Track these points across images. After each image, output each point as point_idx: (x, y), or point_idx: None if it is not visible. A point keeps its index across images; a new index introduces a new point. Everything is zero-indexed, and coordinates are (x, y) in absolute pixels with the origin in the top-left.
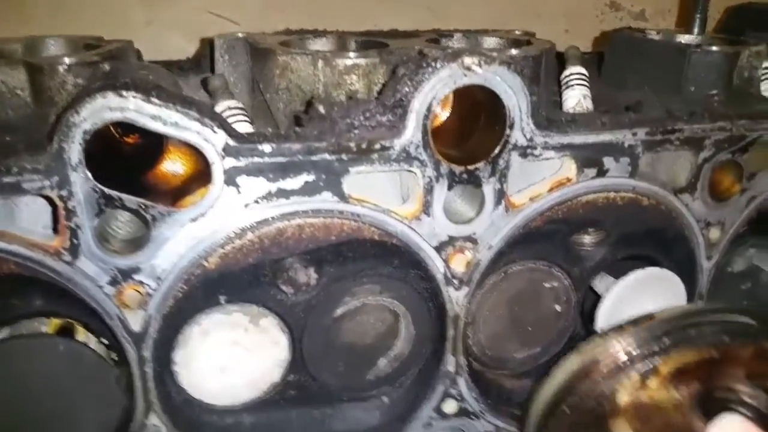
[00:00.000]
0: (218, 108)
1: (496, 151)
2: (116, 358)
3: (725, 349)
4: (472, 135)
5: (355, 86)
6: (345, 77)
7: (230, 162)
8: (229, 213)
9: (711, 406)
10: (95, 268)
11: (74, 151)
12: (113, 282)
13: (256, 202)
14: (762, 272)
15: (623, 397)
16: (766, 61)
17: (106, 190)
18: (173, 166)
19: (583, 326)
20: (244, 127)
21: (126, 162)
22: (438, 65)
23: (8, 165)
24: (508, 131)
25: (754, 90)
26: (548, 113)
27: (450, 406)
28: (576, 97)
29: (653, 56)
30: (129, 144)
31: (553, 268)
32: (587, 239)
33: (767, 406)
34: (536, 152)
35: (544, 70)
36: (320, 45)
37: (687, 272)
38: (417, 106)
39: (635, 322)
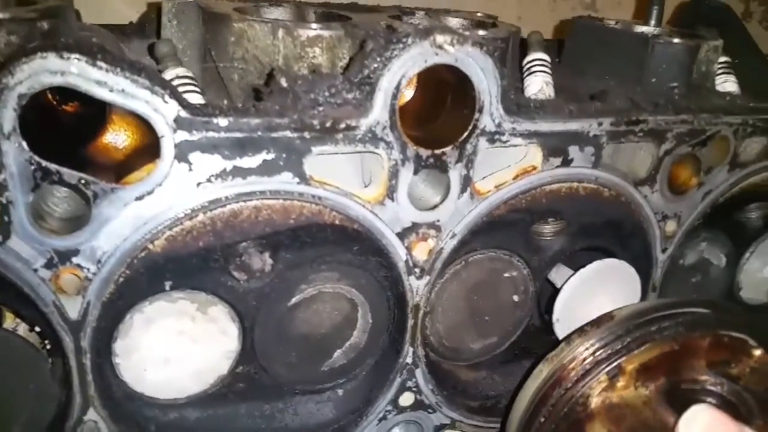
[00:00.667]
0: (166, 76)
1: (464, 135)
2: (51, 349)
3: (684, 341)
4: (436, 116)
5: (318, 60)
6: (307, 49)
7: (182, 135)
8: (178, 192)
9: (678, 398)
10: (29, 249)
11: (7, 118)
12: (49, 265)
13: (210, 180)
14: (711, 265)
15: (595, 400)
16: (722, 57)
17: (43, 162)
18: (117, 137)
19: (539, 317)
20: (194, 98)
21: (65, 132)
22: (409, 41)
23: None
24: (477, 115)
25: (710, 84)
26: (518, 98)
27: (406, 399)
28: (538, 84)
29: (615, 45)
30: (68, 112)
31: (513, 257)
32: (547, 229)
33: (730, 392)
34: (504, 138)
35: (510, 53)
36: (277, 14)
37: (642, 264)
38: (385, 84)
39: (596, 323)
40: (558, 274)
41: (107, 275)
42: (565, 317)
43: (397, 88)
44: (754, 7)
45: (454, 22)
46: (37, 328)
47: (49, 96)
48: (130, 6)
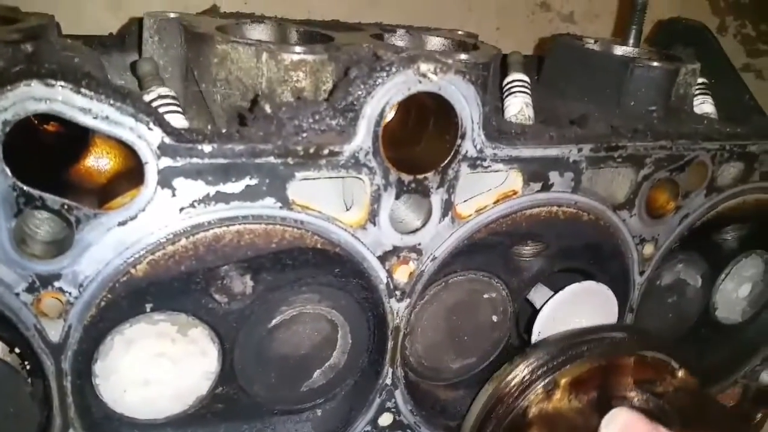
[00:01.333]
0: (148, 96)
1: (446, 161)
2: (31, 370)
3: (610, 359)
4: (418, 139)
5: (301, 83)
6: (291, 73)
7: (166, 162)
8: (161, 217)
9: (607, 409)
10: (11, 273)
11: None
12: (31, 289)
13: (193, 206)
14: (688, 286)
15: (533, 410)
16: (699, 78)
17: (26, 188)
18: (100, 161)
19: (518, 337)
20: (176, 119)
21: (46, 154)
22: (393, 69)
23: None
24: (459, 141)
25: (688, 106)
26: (498, 124)
27: (385, 419)
28: (518, 105)
29: (594, 67)
30: (49, 132)
31: (492, 279)
32: (527, 250)
33: (655, 407)
34: (485, 164)
35: (491, 76)
36: (259, 32)
37: (620, 286)
38: (369, 111)
39: (535, 346)
40: (537, 294)
41: (89, 299)
42: (544, 338)
43: (381, 115)
44: (729, 22)
45: (435, 41)
46: (17, 350)
47: (31, 117)
48: (111, 13)
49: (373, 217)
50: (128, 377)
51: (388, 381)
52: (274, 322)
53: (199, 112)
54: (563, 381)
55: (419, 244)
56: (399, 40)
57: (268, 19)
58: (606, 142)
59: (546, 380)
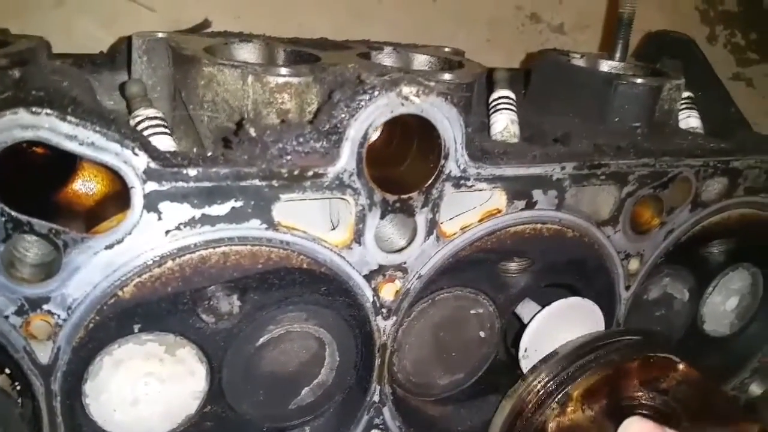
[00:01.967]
0: (136, 117)
1: (430, 181)
2: (20, 390)
3: (617, 366)
4: (402, 159)
5: (286, 105)
6: (276, 95)
7: (152, 186)
8: (148, 240)
9: (619, 414)
10: (0, 297)
11: None
12: (20, 312)
13: (179, 228)
14: (675, 300)
15: (551, 425)
16: (685, 92)
17: (13, 213)
18: (87, 185)
19: (506, 352)
20: (164, 141)
21: (34, 177)
22: (376, 93)
23: None
24: (442, 161)
25: (673, 122)
26: (481, 144)
27: None
28: (504, 122)
29: (579, 84)
30: (37, 154)
31: (479, 295)
32: (513, 266)
33: (661, 403)
34: (469, 183)
35: (475, 95)
36: (246, 52)
37: (606, 301)
38: (353, 134)
39: (544, 360)
40: (525, 309)
41: (77, 321)
42: (532, 352)
43: (364, 137)
44: (719, 31)
45: (421, 59)
46: (7, 371)
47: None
48: (103, 29)
49: (358, 236)
50: (118, 397)
51: (376, 398)
52: (261, 340)
53: (187, 132)
54: (575, 393)
55: (405, 263)
56: (386, 58)
57: (256, 38)
58: (589, 160)
59: (560, 395)
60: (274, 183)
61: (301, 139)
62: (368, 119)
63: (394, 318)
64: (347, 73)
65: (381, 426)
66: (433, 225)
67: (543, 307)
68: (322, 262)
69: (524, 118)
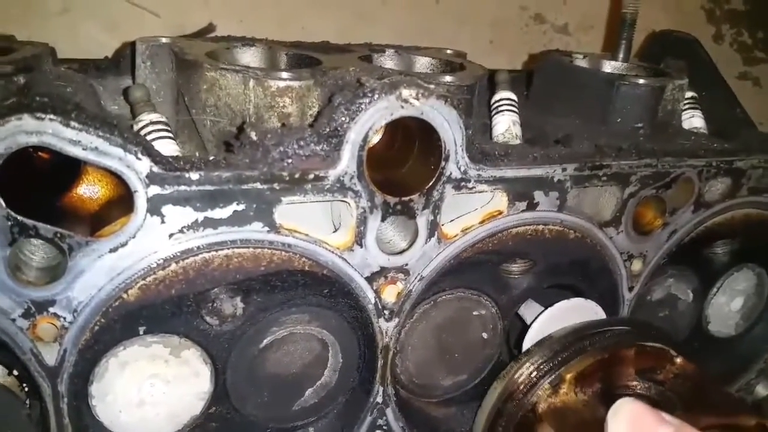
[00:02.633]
0: (140, 122)
1: (431, 183)
2: (28, 392)
3: (612, 352)
4: (403, 161)
5: (288, 109)
6: (277, 99)
7: (155, 190)
8: (151, 243)
9: (612, 400)
10: (7, 300)
11: None
12: (27, 315)
13: (182, 231)
14: (679, 300)
15: (542, 406)
16: (688, 92)
17: (19, 217)
18: (91, 189)
19: (509, 353)
20: (167, 145)
21: (39, 183)
22: (375, 96)
23: None
24: (443, 163)
25: (676, 122)
26: (481, 146)
27: None
28: (506, 123)
29: (581, 85)
30: (42, 159)
31: (481, 297)
32: (515, 268)
33: (657, 393)
34: (470, 185)
35: (476, 97)
36: (249, 56)
37: (609, 302)
38: (353, 137)
39: (539, 344)
40: (528, 310)
41: (83, 323)
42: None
43: (365, 140)
44: (725, 30)
45: (423, 61)
46: (15, 372)
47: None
48: (108, 34)
49: (359, 238)
50: (123, 398)
51: (379, 399)
52: (265, 342)
53: (191, 136)
54: (568, 376)
55: (406, 265)
56: (388, 60)
57: (258, 42)
58: (590, 161)
59: (552, 376)
60: (276, 186)
61: (302, 143)
62: (368, 122)
63: (397, 319)
64: (347, 76)
65: (384, 427)
66: (434, 227)
67: (545, 308)
68: (324, 265)
69: (527, 119)
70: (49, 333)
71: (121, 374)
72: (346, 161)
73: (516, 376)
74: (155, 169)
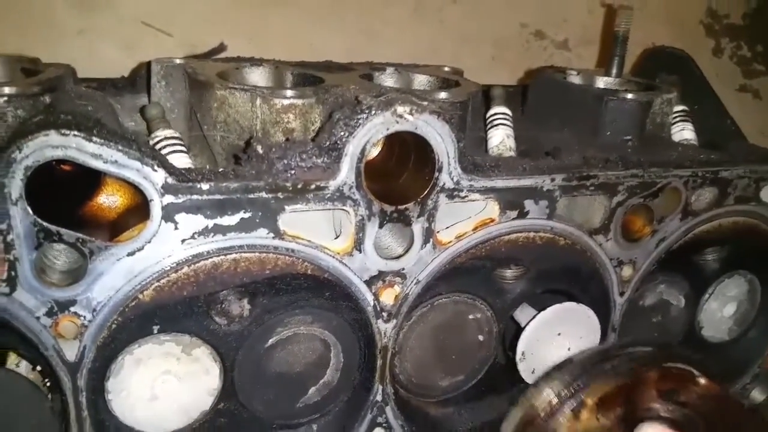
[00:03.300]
0: (155, 138)
1: (425, 192)
2: (50, 386)
3: (635, 374)
4: (400, 173)
5: (292, 124)
6: (282, 115)
7: (169, 199)
8: (166, 248)
9: (635, 425)
10: (32, 299)
11: (15, 187)
12: (50, 313)
13: (193, 237)
14: (671, 306)
15: None
16: (677, 107)
17: (45, 224)
18: (111, 198)
19: (504, 354)
20: (180, 158)
21: (63, 193)
22: (372, 112)
23: None
24: (436, 174)
25: (666, 134)
26: (474, 158)
27: None
28: (500, 136)
29: (572, 100)
30: (66, 172)
31: (476, 301)
32: (509, 273)
33: (680, 416)
34: (462, 194)
35: (470, 111)
36: (257, 75)
37: (601, 307)
38: (351, 150)
39: (558, 367)
40: (522, 313)
41: (102, 322)
42: (528, 356)
43: (362, 153)
44: (725, 43)
45: (421, 79)
46: (39, 368)
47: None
48: (123, 52)
49: (358, 244)
50: (137, 393)
51: (379, 397)
52: (270, 342)
53: (202, 150)
54: (590, 401)
55: (403, 269)
56: (388, 78)
57: (266, 62)
58: (578, 171)
59: (574, 401)
60: (280, 195)
61: (304, 156)
62: (366, 136)
63: (395, 321)
64: (347, 94)
65: (384, 424)
66: (429, 233)
67: (539, 311)
68: (324, 269)
69: (521, 133)
70: (70, 330)
71: (135, 370)
72: (345, 172)
73: (536, 402)
74: (169, 180)
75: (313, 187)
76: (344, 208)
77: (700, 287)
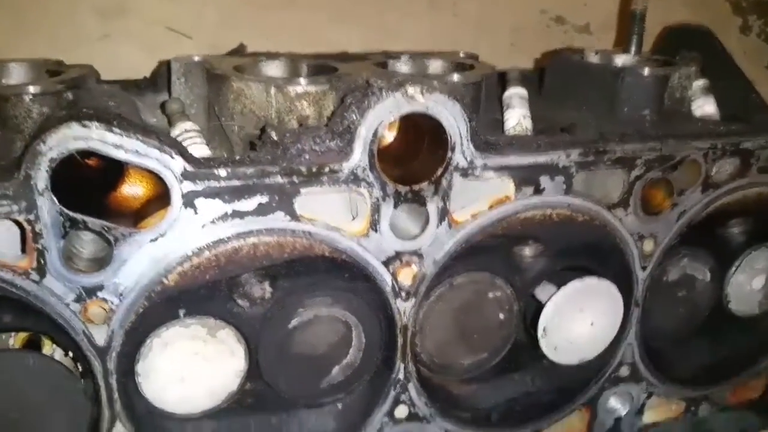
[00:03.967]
0: (176, 131)
1: (439, 172)
2: (83, 371)
3: None
4: (416, 155)
5: (306, 112)
6: (296, 104)
7: (188, 186)
8: (187, 233)
9: None
10: (61, 286)
11: (41, 178)
12: (78, 299)
13: (213, 222)
14: (696, 280)
15: None
16: (697, 81)
17: (71, 213)
18: (134, 188)
19: (525, 332)
20: (200, 149)
21: (89, 184)
22: (382, 94)
23: None
24: (450, 154)
25: (685, 109)
26: (487, 136)
27: (401, 411)
28: (516, 117)
29: (589, 78)
30: (91, 166)
31: (495, 279)
32: (527, 251)
33: None
34: (476, 173)
35: (484, 93)
36: (273, 68)
37: (623, 281)
38: (363, 132)
39: None
40: (542, 291)
41: (129, 306)
42: (550, 332)
43: (375, 134)
44: (753, 21)
45: (435, 64)
46: (71, 353)
47: (75, 154)
48: (145, 55)
49: (374, 225)
50: (166, 376)
51: (401, 375)
52: (293, 323)
53: (221, 142)
54: None
55: (420, 249)
56: (402, 65)
57: (282, 55)
58: (594, 146)
59: None
60: (295, 179)
61: (317, 139)
62: (377, 119)
63: (413, 300)
64: (360, 80)
65: (408, 402)
66: (444, 213)
67: (559, 288)
68: (342, 250)
69: (538, 113)
70: (98, 315)
71: (163, 353)
72: (359, 155)
73: None
74: (188, 167)
75: (327, 170)
76: (359, 189)
77: (725, 261)
